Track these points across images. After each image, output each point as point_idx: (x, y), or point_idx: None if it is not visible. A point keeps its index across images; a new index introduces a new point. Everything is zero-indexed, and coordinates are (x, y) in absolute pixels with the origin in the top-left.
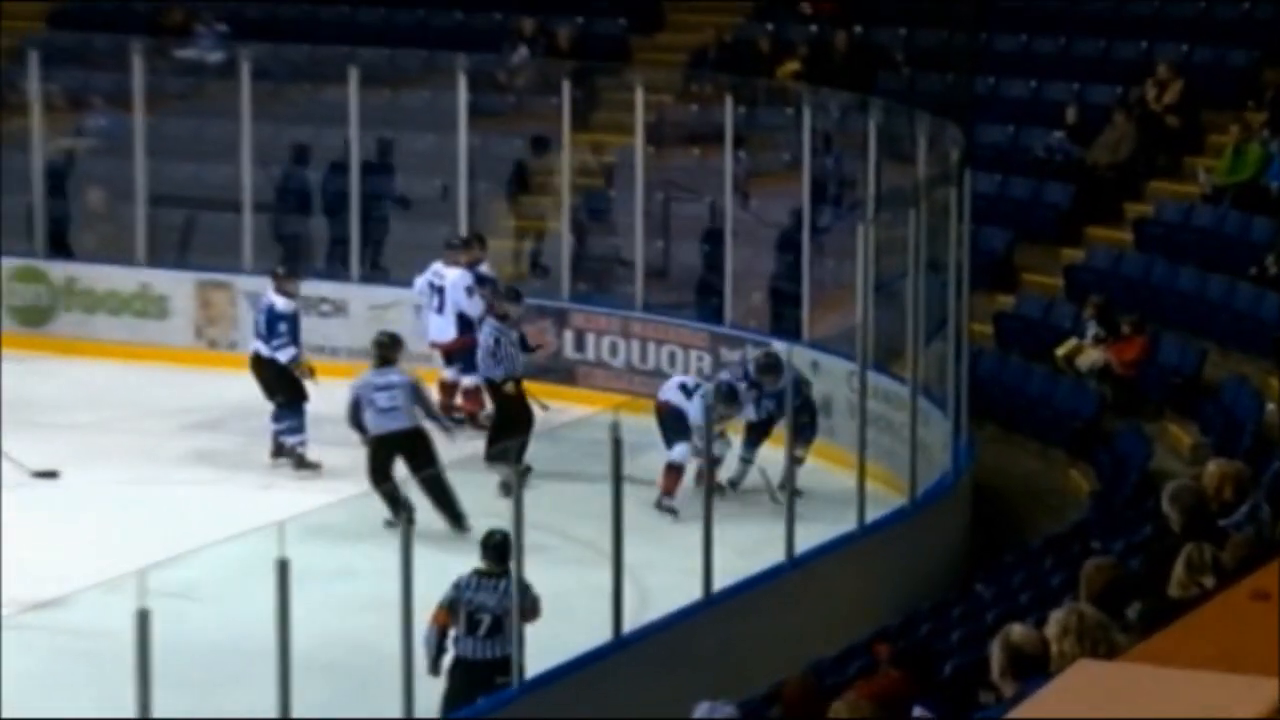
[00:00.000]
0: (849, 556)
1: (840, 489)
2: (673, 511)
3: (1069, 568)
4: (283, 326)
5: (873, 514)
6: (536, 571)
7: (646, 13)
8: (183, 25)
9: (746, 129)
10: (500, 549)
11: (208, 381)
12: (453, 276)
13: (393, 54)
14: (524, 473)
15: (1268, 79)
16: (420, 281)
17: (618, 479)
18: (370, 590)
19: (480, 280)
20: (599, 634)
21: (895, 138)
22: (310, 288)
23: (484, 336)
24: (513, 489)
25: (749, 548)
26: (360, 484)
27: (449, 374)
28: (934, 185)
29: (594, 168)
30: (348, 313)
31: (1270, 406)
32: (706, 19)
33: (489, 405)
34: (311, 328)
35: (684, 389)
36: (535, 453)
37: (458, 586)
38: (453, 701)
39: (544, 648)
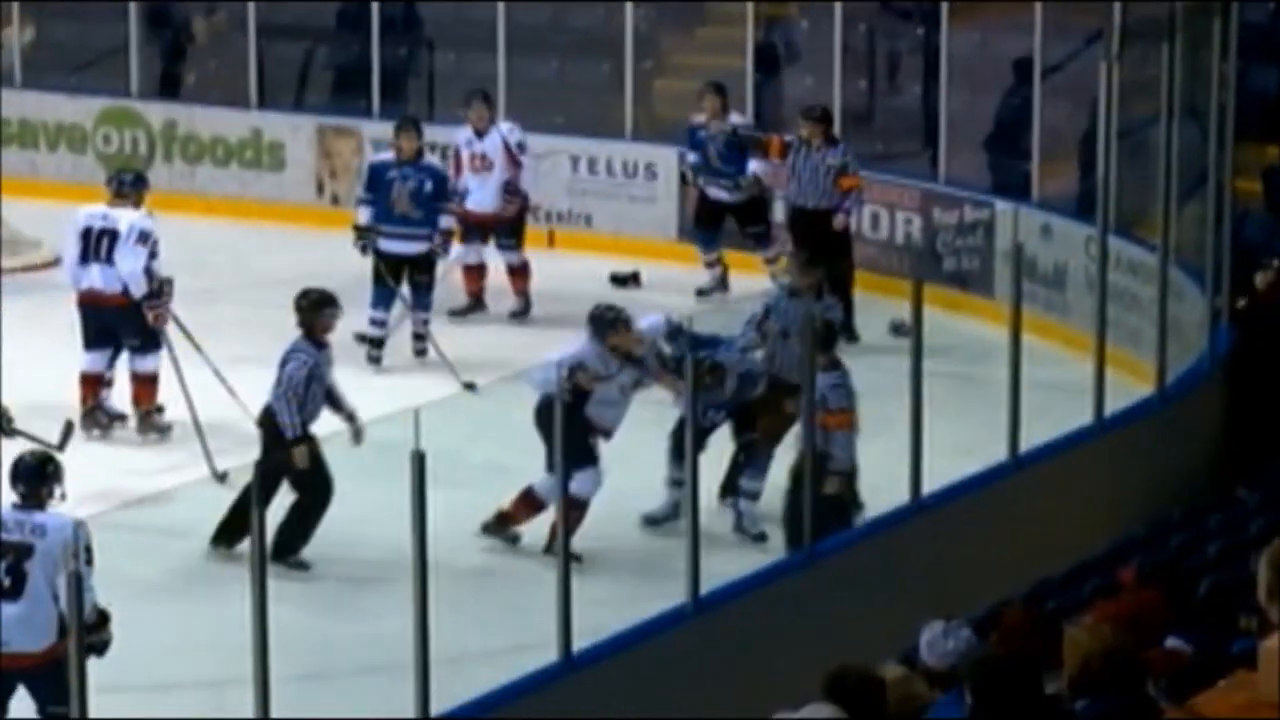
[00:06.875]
0: (1084, 456)
1: (1074, 376)
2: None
3: None
4: None
5: (1113, 406)
6: None
7: None
8: None
9: None
10: None
11: (329, 244)
12: None
13: None
14: None
15: None
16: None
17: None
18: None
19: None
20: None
21: None
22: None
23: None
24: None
25: (964, 445)
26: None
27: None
28: (1192, 13)
29: None
30: None
31: None
32: None
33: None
34: None
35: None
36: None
37: None
38: None
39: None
